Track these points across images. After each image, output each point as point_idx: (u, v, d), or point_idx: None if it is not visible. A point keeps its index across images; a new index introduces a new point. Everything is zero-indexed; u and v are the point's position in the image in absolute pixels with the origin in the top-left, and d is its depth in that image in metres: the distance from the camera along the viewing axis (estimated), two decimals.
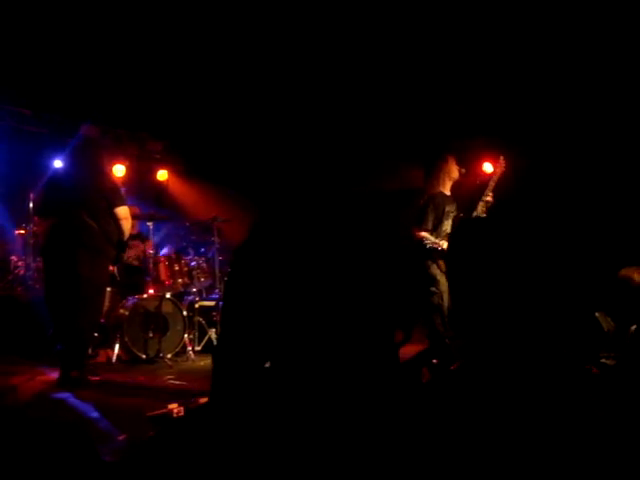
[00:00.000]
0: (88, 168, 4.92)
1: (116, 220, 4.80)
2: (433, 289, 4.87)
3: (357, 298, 1.13)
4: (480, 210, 5.08)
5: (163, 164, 9.10)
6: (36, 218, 6.23)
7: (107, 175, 5.13)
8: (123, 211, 4.86)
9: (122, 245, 5.02)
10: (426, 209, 5.05)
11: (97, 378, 4.71)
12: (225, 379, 1.15)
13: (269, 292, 1.11)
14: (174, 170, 9.24)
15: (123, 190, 5.24)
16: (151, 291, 6.15)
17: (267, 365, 1.15)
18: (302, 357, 1.10)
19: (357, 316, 1.13)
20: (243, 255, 1.20)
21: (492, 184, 5.19)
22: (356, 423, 1.05)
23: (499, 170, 5.31)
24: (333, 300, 1.11)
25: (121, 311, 5.87)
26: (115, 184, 5.09)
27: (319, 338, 1.10)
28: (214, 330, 6.23)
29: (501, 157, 5.41)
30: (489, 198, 5.12)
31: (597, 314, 4.16)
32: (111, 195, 4.83)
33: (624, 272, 3.70)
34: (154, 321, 5.86)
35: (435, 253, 4.89)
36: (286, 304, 1.10)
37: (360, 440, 1.04)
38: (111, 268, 5.73)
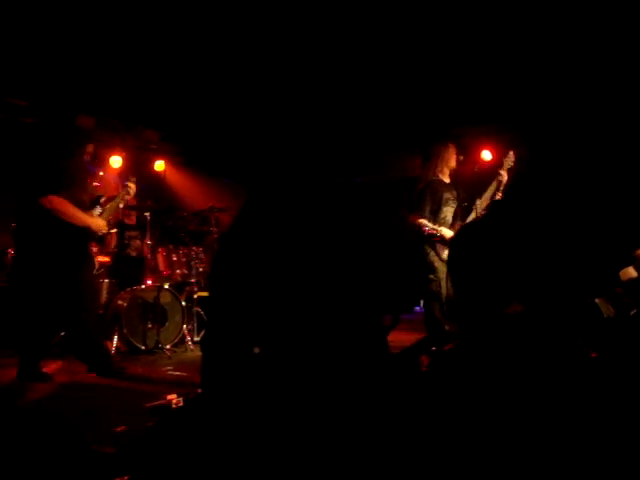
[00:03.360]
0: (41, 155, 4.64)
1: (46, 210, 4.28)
2: (431, 276, 4.86)
3: (346, 283, 1.11)
4: (493, 187, 5.00)
5: (160, 154, 9.06)
6: None
7: (54, 159, 4.53)
8: (50, 201, 4.28)
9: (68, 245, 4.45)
10: (423, 196, 5.02)
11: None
12: (215, 368, 1.14)
13: (256, 277, 1.10)
14: (171, 160, 9.21)
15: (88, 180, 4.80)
16: (149, 282, 6.14)
17: (256, 351, 1.13)
18: (291, 343, 1.08)
19: (346, 300, 1.11)
20: (229, 240, 1.18)
21: (496, 183, 5.12)
22: (346, 406, 1.04)
23: (507, 166, 5.22)
24: (321, 285, 1.10)
25: (119, 302, 5.86)
26: (57, 167, 4.43)
27: (308, 323, 1.08)
28: None
29: (510, 152, 5.32)
30: (503, 179, 5.05)
31: (597, 300, 4.15)
32: (42, 180, 4.34)
33: None
34: (153, 312, 5.85)
35: (433, 239, 4.86)
36: (273, 289, 1.08)
37: (349, 422, 1.03)
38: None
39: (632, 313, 3.30)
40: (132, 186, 5.07)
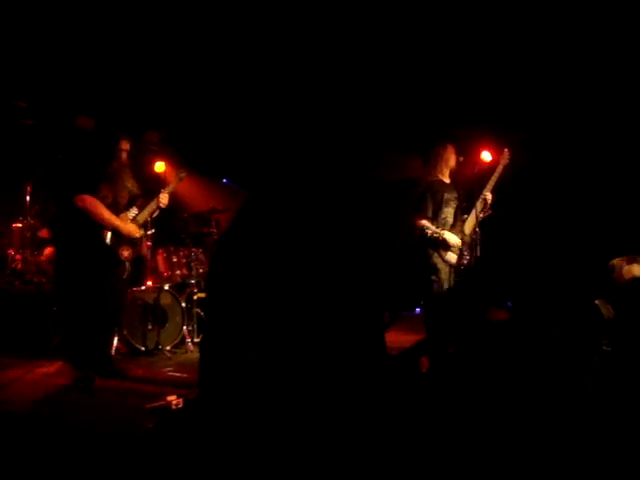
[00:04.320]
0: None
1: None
2: (434, 277, 4.86)
3: (344, 285, 1.11)
4: (479, 207, 5.04)
5: (160, 156, 9.04)
6: None
7: (91, 159, 4.62)
8: (82, 199, 4.33)
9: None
10: (424, 197, 5.02)
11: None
12: (213, 369, 1.14)
13: (254, 278, 1.10)
14: (171, 162, 9.18)
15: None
16: (149, 283, 6.13)
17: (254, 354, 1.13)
18: (289, 345, 1.08)
19: (344, 301, 1.11)
20: (227, 242, 1.18)
21: (494, 177, 5.15)
22: (343, 404, 1.04)
23: (503, 163, 5.25)
24: (320, 287, 1.09)
25: None
26: (93, 167, 4.51)
27: (306, 326, 1.08)
28: None
29: (505, 149, 5.34)
30: (489, 195, 5.09)
31: (597, 302, 4.15)
32: (77, 179, 4.41)
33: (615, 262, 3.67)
34: (153, 313, 5.84)
35: (436, 242, 4.86)
36: (272, 290, 1.08)
37: (346, 418, 1.02)
38: None
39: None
40: (164, 198, 4.98)
